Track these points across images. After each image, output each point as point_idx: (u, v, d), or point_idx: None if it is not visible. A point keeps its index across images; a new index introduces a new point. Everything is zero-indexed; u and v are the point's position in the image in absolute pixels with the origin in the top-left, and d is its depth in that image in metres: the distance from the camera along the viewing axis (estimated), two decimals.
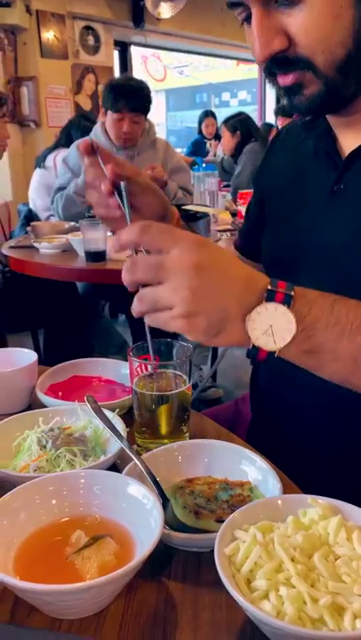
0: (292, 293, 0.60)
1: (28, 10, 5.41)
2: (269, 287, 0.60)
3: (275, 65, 0.73)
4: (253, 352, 0.61)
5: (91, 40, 6.28)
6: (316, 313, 0.60)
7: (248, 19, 0.73)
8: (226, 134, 4.42)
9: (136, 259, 0.61)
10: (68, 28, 5.91)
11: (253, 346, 0.60)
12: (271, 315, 0.59)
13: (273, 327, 0.59)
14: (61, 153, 3.24)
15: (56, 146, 3.59)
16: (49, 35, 5.70)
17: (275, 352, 0.61)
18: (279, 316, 0.59)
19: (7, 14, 5.21)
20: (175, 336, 0.81)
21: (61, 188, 2.72)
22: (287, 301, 0.59)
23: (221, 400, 2.84)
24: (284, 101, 0.77)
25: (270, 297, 0.59)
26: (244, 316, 0.59)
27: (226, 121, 4.43)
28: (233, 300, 0.59)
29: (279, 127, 4.45)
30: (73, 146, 2.82)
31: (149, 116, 2.78)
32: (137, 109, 2.61)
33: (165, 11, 6.10)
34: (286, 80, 0.73)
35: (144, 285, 0.62)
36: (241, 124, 4.29)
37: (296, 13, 0.68)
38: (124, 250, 0.64)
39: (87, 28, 6.20)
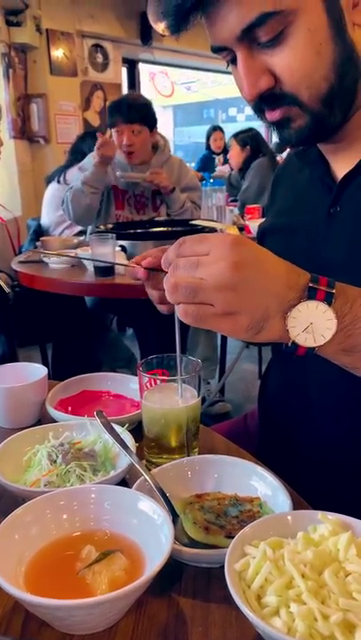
0: (334, 291, 0.59)
1: (38, 29, 5.49)
2: (311, 284, 0.59)
3: (263, 102, 0.76)
4: (292, 348, 0.61)
5: (99, 58, 6.37)
6: (357, 312, 0.60)
7: (234, 61, 0.75)
8: (235, 148, 4.45)
9: (177, 260, 0.61)
10: (77, 46, 5.99)
11: (292, 342, 0.60)
12: (312, 312, 0.59)
13: (313, 325, 0.59)
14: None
15: (72, 163, 3.61)
16: (58, 53, 5.78)
17: (314, 349, 0.61)
18: (320, 314, 0.59)
19: (18, 33, 5.30)
20: (183, 350, 0.82)
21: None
22: (328, 300, 0.59)
23: (229, 414, 2.83)
24: (275, 134, 0.80)
25: (312, 295, 0.59)
26: (284, 313, 0.59)
27: (236, 135, 4.47)
28: (274, 298, 0.59)
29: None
30: (89, 155, 2.84)
31: (163, 134, 2.81)
32: (133, 120, 2.62)
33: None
34: (274, 115, 0.76)
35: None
36: (251, 140, 4.33)
37: (278, 53, 0.71)
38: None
39: (96, 45, 6.29)
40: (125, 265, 0.74)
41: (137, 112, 2.65)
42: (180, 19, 0.70)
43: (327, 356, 0.63)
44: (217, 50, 0.76)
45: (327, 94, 0.73)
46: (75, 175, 2.85)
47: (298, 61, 0.71)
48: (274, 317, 0.59)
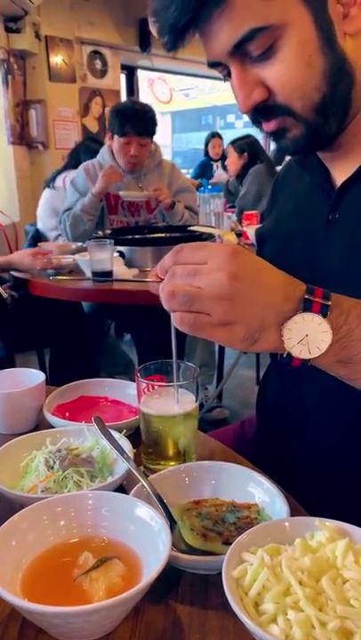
0: (329, 303, 0.59)
1: (37, 35, 5.52)
2: (307, 296, 0.59)
3: (258, 114, 0.78)
4: (287, 359, 0.61)
5: (98, 64, 6.40)
6: (352, 324, 0.60)
7: (230, 74, 0.77)
8: (233, 155, 4.47)
9: (175, 268, 0.61)
10: (76, 52, 6.02)
11: (287, 353, 0.60)
12: (308, 324, 0.59)
13: (308, 337, 0.59)
14: (70, 174, 3.29)
15: (65, 167, 3.65)
16: (57, 59, 5.81)
17: (309, 361, 0.61)
18: (315, 326, 0.59)
19: (17, 40, 5.33)
20: (181, 356, 0.82)
21: (69, 209, 2.76)
22: (324, 311, 0.59)
23: (227, 420, 2.83)
24: (273, 143, 0.82)
25: (308, 307, 0.59)
26: (280, 325, 0.59)
27: (233, 142, 4.49)
28: (271, 310, 0.59)
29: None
30: (80, 168, 2.86)
31: (155, 137, 2.82)
32: (143, 133, 2.66)
33: None
34: (270, 126, 0.78)
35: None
36: (249, 147, 4.35)
37: (270, 67, 0.72)
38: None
39: (95, 52, 6.33)
40: (147, 281, 0.74)
41: (149, 126, 2.68)
42: (175, 37, 0.72)
43: (323, 367, 0.63)
44: (213, 65, 0.78)
45: (320, 104, 0.74)
46: (68, 192, 2.86)
47: (289, 74, 0.72)
48: (270, 328, 0.59)
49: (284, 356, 0.61)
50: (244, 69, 0.74)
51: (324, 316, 0.59)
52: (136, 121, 2.63)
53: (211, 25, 0.71)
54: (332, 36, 0.71)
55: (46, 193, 3.73)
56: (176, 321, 0.61)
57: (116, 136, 2.69)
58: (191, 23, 0.70)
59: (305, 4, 0.70)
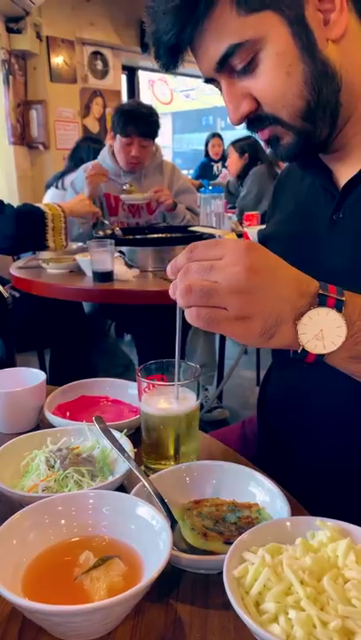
0: (344, 298, 0.60)
1: (38, 36, 5.53)
2: (321, 291, 0.60)
3: (250, 124, 0.81)
4: (301, 355, 0.61)
5: (99, 65, 6.40)
6: None
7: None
8: (233, 155, 4.47)
9: (189, 264, 0.61)
10: (77, 53, 6.03)
11: (302, 349, 0.61)
12: (322, 319, 0.59)
13: (323, 331, 0.59)
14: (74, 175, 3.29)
15: (70, 169, 3.65)
16: (58, 60, 5.82)
17: (323, 356, 0.61)
18: (330, 321, 0.59)
19: (18, 40, 5.33)
20: (182, 356, 0.82)
21: None
22: (338, 306, 0.59)
23: (227, 421, 2.83)
24: (269, 149, 0.85)
25: (322, 301, 0.59)
26: (295, 320, 0.59)
27: (234, 142, 4.49)
28: (286, 304, 0.59)
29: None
30: (80, 169, 2.86)
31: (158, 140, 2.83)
32: (146, 134, 2.66)
33: None
34: (263, 135, 0.81)
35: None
36: (250, 148, 4.35)
37: (254, 79, 0.76)
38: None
39: (96, 53, 6.33)
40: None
41: (152, 127, 2.68)
42: (168, 57, 0.78)
43: (335, 364, 0.63)
44: (208, 81, 0.82)
45: (306, 111, 0.76)
46: (68, 193, 2.86)
47: (271, 84, 0.76)
48: (285, 324, 0.60)
49: (299, 351, 0.61)
50: (232, 83, 0.78)
51: (339, 310, 0.59)
52: (139, 122, 2.63)
53: (197, 44, 0.76)
54: (312, 44, 0.74)
55: (51, 193, 3.73)
56: (192, 317, 0.60)
57: (118, 135, 2.69)
58: (178, 44, 0.75)
59: (281, 17, 0.73)
